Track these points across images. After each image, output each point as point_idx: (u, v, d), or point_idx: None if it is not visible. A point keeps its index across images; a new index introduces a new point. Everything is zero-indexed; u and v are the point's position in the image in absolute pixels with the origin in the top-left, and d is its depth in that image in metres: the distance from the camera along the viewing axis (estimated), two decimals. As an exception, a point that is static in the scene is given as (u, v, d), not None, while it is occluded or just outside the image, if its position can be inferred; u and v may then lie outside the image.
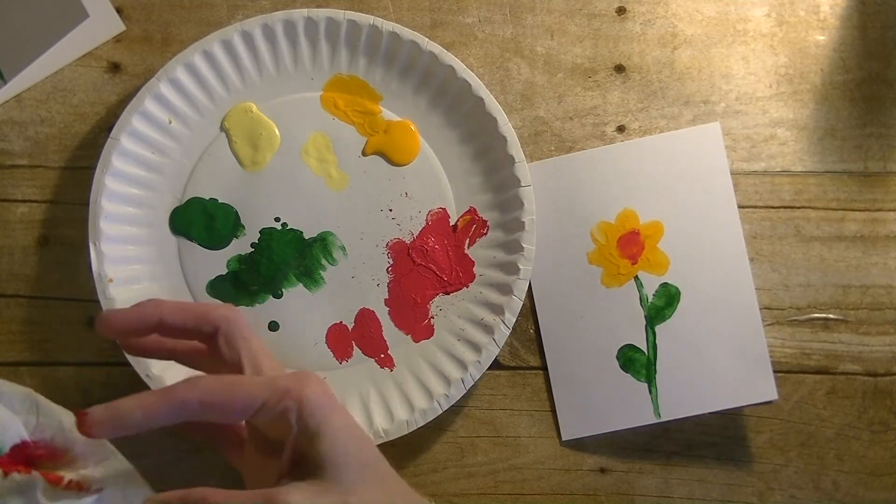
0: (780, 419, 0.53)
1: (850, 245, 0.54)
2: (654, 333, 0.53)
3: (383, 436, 0.50)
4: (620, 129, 0.54)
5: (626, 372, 0.53)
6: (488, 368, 0.51)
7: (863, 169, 0.54)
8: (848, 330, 0.54)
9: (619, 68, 0.54)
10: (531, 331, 0.54)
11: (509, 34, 0.54)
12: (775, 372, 0.52)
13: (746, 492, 0.53)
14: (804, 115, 0.54)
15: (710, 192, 0.53)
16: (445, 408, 0.51)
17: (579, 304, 0.53)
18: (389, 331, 0.53)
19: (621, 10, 0.54)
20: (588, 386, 0.53)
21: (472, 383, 0.51)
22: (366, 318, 0.53)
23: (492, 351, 0.51)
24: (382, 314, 0.53)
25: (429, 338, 0.52)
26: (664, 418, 0.52)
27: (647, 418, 0.52)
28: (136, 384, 0.50)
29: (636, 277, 0.53)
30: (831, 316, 0.54)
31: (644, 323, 0.53)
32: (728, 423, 0.53)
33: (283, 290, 0.52)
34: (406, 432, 0.50)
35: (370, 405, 0.51)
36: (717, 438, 0.53)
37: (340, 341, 0.52)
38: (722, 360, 0.52)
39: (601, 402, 0.53)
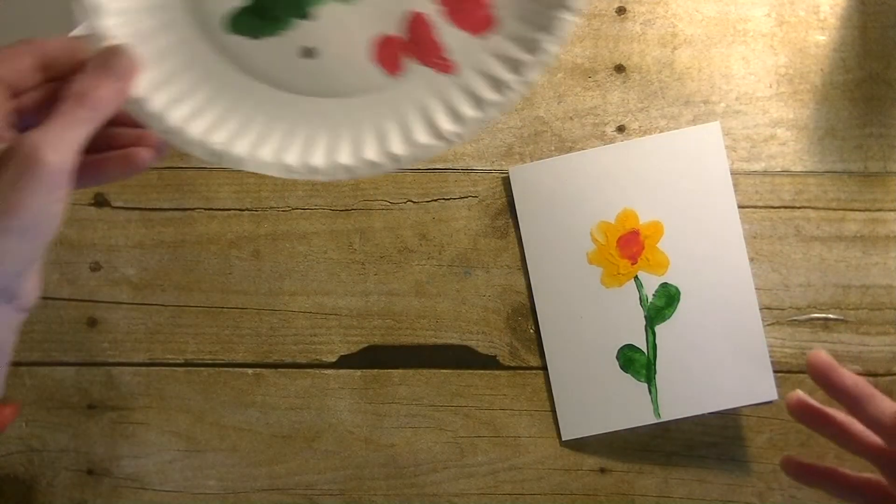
0: (780, 419, 0.53)
1: (850, 245, 0.54)
2: (653, 333, 0.53)
3: (455, 140, 0.42)
4: (620, 129, 0.54)
5: (626, 372, 0.53)
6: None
7: (863, 169, 0.54)
8: (848, 330, 0.54)
9: (619, 68, 0.54)
10: (531, 331, 0.54)
11: (509, 34, 0.54)
12: (775, 372, 0.52)
13: (746, 492, 0.53)
14: (804, 115, 0.54)
15: (710, 192, 0.53)
16: (520, 96, 0.42)
17: (579, 304, 0.53)
18: (445, 30, 0.44)
19: (621, 10, 0.54)
20: (588, 386, 0.53)
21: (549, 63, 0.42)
22: (416, 21, 0.44)
23: (567, 27, 0.40)
24: (433, 13, 0.44)
25: (490, 28, 0.43)
26: (664, 418, 0.52)
27: (647, 418, 0.52)
28: (136, 384, 0.50)
29: (636, 277, 0.53)
30: (831, 316, 0.54)
31: (644, 323, 0.53)
32: (728, 423, 0.53)
33: (312, 7, 0.43)
34: (481, 128, 0.42)
35: (435, 116, 0.44)
36: (717, 438, 0.53)
37: (389, 54, 0.44)
38: (722, 361, 0.52)
39: (601, 403, 0.53)
